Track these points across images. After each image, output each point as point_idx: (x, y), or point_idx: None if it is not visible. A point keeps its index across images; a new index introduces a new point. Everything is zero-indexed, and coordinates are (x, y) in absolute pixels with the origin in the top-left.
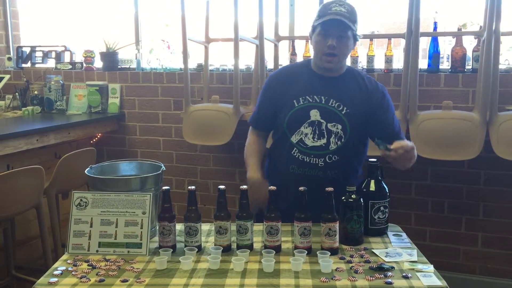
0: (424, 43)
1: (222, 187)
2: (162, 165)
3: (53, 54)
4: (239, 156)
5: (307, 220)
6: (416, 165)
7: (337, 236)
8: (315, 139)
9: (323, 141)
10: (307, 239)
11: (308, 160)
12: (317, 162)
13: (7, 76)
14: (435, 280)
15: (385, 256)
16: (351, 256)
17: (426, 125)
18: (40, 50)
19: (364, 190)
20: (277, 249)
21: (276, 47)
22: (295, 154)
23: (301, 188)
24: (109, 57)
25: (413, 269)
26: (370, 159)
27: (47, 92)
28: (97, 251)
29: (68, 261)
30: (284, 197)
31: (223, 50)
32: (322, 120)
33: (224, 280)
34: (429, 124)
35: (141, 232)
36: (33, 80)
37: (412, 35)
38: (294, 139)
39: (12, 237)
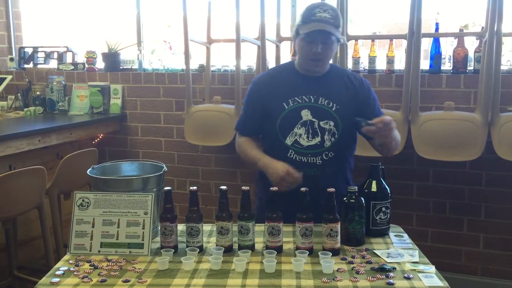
0: (426, 44)
1: (223, 187)
2: (164, 166)
3: (55, 55)
4: None
5: (309, 220)
6: (418, 166)
7: (339, 237)
8: (309, 139)
9: (318, 139)
10: (308, 239)
11: (305, 160)
12: (314, 161)
13: (9, 77)
14: (437, 281)
15: (386, 257)
16: (353, 257)
17: (427, 126)
18: (42, 51)
19: (366, 190)
20: (279, 250)
21: (277, 47)
22: (292, 156)
23: (303, 189)
24: (111, 57)
25: (415, 270)
26: (372, 162)
27: (49, 93)
28: (99, 251)
29: (70, 261)
30: (285, 199)
31: (225, 51)
32: (314, 119)
33: (225, 280)
34: (430, 125)
35: (143, 232)
36: (35, 81)
37: (413, 36)
38: (289, 141)
39: (14, 237)
